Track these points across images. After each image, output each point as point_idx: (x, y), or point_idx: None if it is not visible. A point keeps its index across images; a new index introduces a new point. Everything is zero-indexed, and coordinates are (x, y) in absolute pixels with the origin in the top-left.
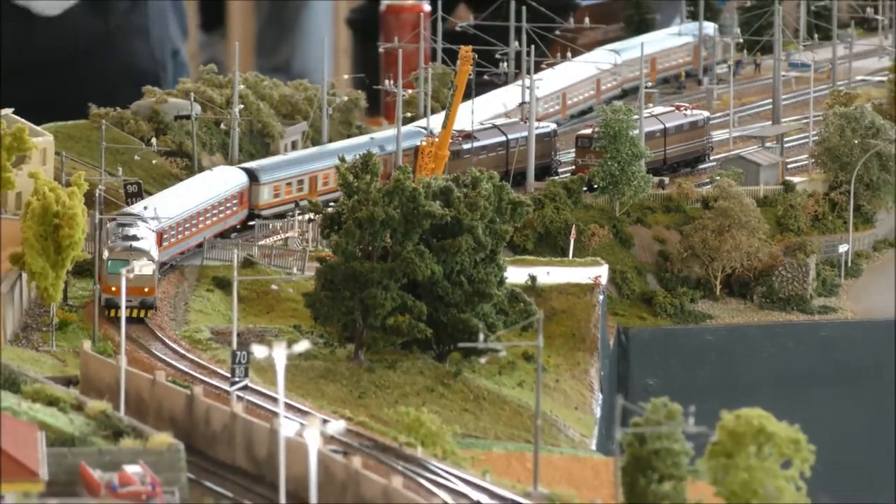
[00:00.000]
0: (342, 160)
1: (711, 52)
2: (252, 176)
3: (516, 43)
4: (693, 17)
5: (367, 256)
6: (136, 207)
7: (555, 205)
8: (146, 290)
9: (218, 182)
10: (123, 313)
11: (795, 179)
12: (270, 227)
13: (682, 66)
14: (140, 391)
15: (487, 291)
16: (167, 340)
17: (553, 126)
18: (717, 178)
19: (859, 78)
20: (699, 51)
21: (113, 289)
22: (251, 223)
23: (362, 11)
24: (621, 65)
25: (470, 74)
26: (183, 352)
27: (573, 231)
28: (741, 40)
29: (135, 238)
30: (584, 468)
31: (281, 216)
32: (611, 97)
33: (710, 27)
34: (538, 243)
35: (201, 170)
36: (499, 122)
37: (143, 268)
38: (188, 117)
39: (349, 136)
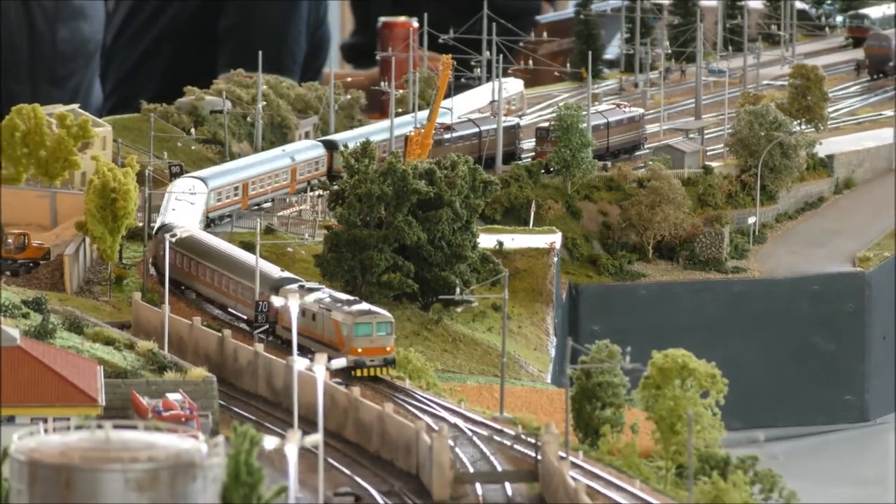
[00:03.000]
0: (345, 146)
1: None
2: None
3: (487, 52)
4: (631, 32)
5: (365, 225)
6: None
7: (518, 184)
8: (387, 349)
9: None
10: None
11: (713, 164)
12: (287, 201)
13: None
14: (181, 333)
15: (463, 254)
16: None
17: (517, 120)
18: (650, 162)
19: (765, 82)
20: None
21: (359, 350)
22: None
23: (356, 35)
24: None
25: (449, 78)
26: None
27: (533, 205)
28: (670, 51)
29: (354, 302)
30: (542, 397)
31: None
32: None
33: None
34: (505, 215)
35: (231, 155)
36: (473, 116)
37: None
38: (221, 112)
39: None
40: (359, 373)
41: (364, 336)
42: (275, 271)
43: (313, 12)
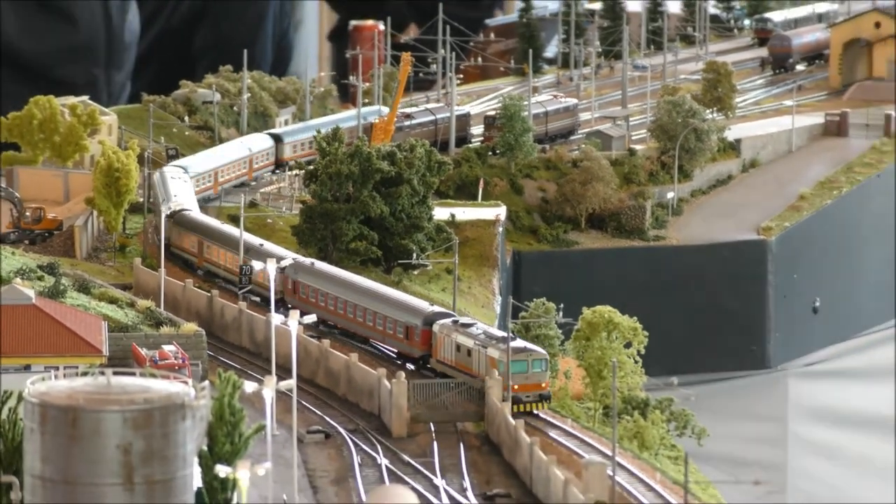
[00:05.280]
0: (318, 131)
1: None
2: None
3: (443, 51)
4: (567, 34)
5: (335, 200)
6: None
7: (468, 164)
8: (543, 384)
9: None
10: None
11: (637, 147)
12: (268, 179)
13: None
14: (175, 293)
15: (420, 225)
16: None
17: (468, 110)
18: (583, 146)
19: (682, 76)
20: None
21: (516, 387)
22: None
23: (338, 29)
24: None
25: (409, 73)
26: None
27: (481, 182)
28: (600, 50)
29: (501, 337)
30: None
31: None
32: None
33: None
34: (457, 191)
35: (221, 140)
36: (430, 106)
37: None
38: (212, 102)
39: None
40: (515, 409)
41: (520, 373)
42: (425, 306)
43: (277, 25)
